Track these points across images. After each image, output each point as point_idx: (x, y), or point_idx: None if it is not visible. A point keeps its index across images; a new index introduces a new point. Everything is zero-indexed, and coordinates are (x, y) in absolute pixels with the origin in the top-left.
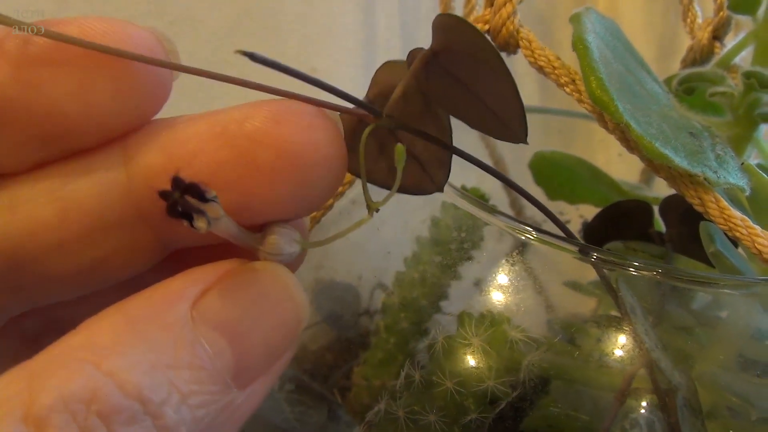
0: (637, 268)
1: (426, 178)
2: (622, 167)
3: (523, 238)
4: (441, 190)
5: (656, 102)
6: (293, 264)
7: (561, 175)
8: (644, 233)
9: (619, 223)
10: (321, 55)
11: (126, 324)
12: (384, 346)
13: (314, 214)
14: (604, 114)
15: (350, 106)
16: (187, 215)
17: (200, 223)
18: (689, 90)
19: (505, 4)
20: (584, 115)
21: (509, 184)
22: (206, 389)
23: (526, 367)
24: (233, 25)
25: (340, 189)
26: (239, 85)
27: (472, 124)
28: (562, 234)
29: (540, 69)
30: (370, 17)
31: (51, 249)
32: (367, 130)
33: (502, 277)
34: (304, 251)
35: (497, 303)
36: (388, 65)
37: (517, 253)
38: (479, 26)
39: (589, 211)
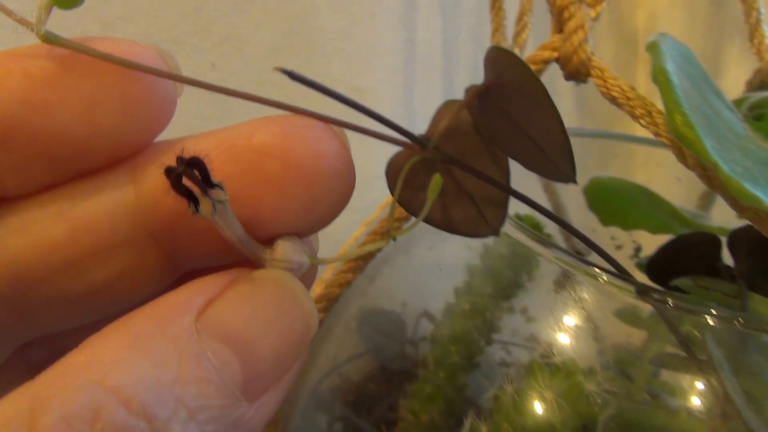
0: (718, 318)
1: (481, 219)
2: (681, 191)
3: (587, 279)
4: (497, 233)
5: (733, 132)
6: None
7: (616, 200)
8: (712, 267)
9: (684, 257)
10: (364, 73)
11: (129, 339)
12: (433, 380)
13: (371, 248)
14: (683, 149)
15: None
16: (192, 197)
17: (205, 206)
18: (759, 116)
19: (576, 31)
20: (624, 137)
21: (567, 227)
22: (214, 403)
23: (603, 422)
24: (277, 44)
25: (396, 224)
26: (255, 101)
27: (524, 162)
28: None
29: (613, 99)
30: (413, 34)
31: (60, 269)
32: (410, 161)
33: (557, 311)
34: (314, 270)
35: (552, 339)
36: (449, 104)
37: (571, 285)
38: (547, 53)
39: (644, 237)
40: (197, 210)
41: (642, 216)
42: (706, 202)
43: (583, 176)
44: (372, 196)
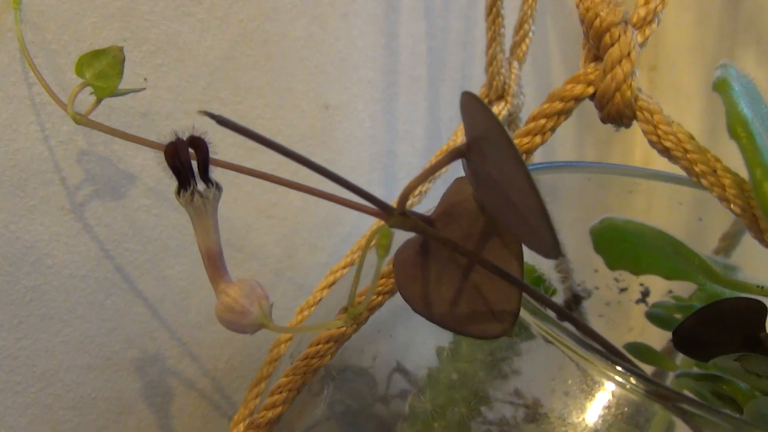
0: None
1: (489, 316)
2: (701, 231)
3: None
4: (509, 333)
5: None
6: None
7: (627, 243)
8: (753, 337)
9: (721, 325)
10: (335, 87)
11: None
12: None
13: (328, 325)
14: (761, 221)
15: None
16: (185, 180)
17: (187, 193)
18: None
19: (620, 62)
20: (639, 172)
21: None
22: None
23: None
24: (229, 54)
25: (380, 299)
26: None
27: (515, 231)
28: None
29: (665, 151)
30: (393, 41)
31: None
32: (374, 230)
33: (558, 380)
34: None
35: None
36: (458, 182)
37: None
38: (580, 88)
39: (652, 281)
40: (179, 194)
41: (656, 261)
42: (728, 245)
43: (589, 214)
44: (339, 232)
